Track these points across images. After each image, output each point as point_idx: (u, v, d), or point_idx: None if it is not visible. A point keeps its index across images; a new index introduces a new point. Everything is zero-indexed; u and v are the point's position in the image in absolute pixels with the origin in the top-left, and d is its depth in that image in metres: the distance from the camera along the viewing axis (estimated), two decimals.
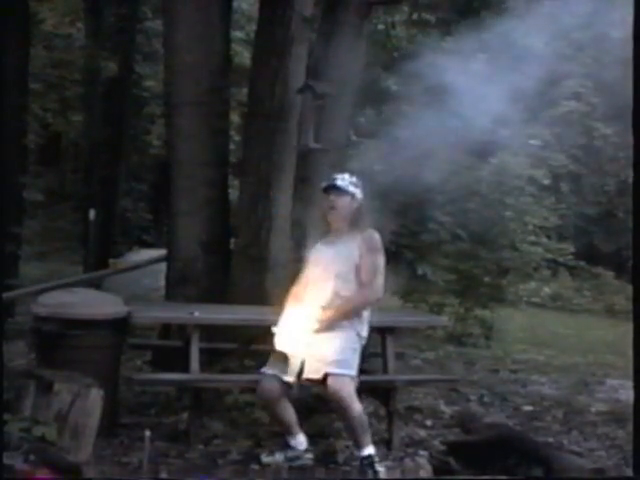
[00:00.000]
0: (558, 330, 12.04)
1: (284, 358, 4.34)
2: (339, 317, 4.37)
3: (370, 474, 4.23)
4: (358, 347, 4.43)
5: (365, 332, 4.50)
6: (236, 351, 5.29)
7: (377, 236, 4.48)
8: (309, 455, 4.49)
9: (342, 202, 4.45)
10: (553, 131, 9.89)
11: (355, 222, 4.48)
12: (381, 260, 4.45)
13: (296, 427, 4.49)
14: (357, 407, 4.26)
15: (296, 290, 4.56)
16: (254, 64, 6.36)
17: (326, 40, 6.23)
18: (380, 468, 4.27)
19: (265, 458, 4.44)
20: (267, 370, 4.40)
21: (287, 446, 4.49)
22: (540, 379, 7.69)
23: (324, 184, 4.50)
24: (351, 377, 4.30)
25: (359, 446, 4.30)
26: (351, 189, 4.48)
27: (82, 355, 4.53)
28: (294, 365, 4.34)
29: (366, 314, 4.50)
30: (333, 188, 4.45)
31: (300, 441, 4.49)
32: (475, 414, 5.73)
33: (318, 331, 4.35)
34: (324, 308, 4.38)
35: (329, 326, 4.36)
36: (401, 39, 9.40)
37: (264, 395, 4.43)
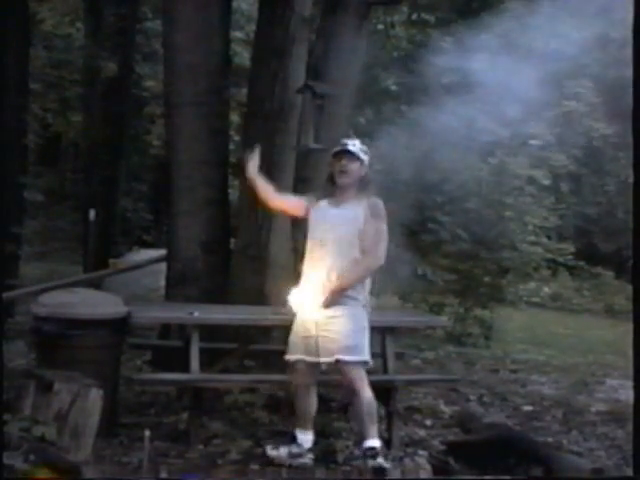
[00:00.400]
0: (558, 330, 12.03)
1: (301, 340, 4.42)
2: (346, 286, 4.39)
3: (370, 466, 4.21)
4: (367, 323, 4.48)
5: (369, 300, 4.55)
6: (236, 351, 5.29)
7: (381, 204, 4.53)
8: (310, 455, 4.49)
9: (353, 167, 4.51)
10: (553, 131, 9.89)
11: (362, 188, 4.54)
12: (385, 227, 4.48)
13: (311, 422, 4.54)
14: (368, 394, 4.35)
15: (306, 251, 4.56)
16: (254, 64, 6.36)
17: (326, 40, 6.23)
18: (385, 463, 4.25)
19: (270, 451, 4.47)
20: (291, 356, 4.47)
21: (293, 440, 4.50)
22: (540, 379, 7.69)
23: (336, 149, 4.54)
24: (363, 362, 4.40)
25: (364, 436, 4.31)
26: (362, 155, 4.55)
27: (82, 355, 4.53)
28: (310, 345, 4.41)
29: (368, 281, 4.54)
30: (346, 152, 4.51)
31: (308, 438, 4.51)
32: (475, 414, 5.73)
33: (326, 305, 4.38)
34: (331, 276, 4.38)
35: (337, 299, 4.38)
36: (401, 39, 9.40)
37: (300, 379, 4.48)
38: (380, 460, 4.24)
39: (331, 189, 4.59)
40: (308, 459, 4.47)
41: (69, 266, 11.79)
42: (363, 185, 4.56)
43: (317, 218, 4.56)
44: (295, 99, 5.88)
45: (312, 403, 4.54)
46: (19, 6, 8.39)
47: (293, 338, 4.51)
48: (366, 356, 4.42)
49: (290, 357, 4.50)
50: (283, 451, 4.45)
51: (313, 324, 4.43)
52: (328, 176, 4.63)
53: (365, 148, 4.61)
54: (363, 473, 4.28)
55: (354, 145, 4.57)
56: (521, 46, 7.44)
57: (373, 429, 4.32)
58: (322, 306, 4.38)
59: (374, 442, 4.29)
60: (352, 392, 4.38)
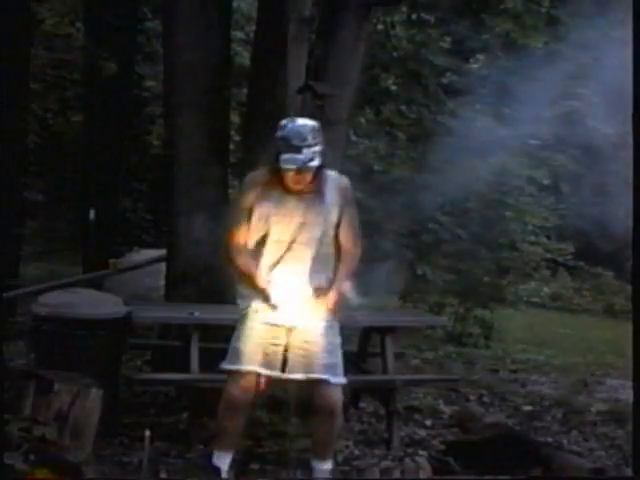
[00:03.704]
0: (558, 330, 12.03)
1: (259, 348, 3.82)
2: (342, 294, 3.87)
3: None
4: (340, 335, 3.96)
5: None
6: None
7: (350, 183, 3.94)
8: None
9: (309, 174, 3.75)
10: (553, 131, 9.88)
11: (320, 170, 3.80)
12: (356, 211, 3.94)
13: (235, 444, 3.97)
14: (342, 418, 4.04)
15: (240, 241, 3.84)
16: (254, 64, 6.36)
17: (326, 40, 6.22)
18: None
19: None
20: (241, 366, 3.82)
21: (209, 463, 3.95)
22: (540, 379, 7.70)
23: (284, 165, 3.68)
24: (342, 384, 3.94)
25: (325, 457, 3.98)
26: (316, 160, 3.69)
27: (82, 355, 4.54)
28: (271, 356, 3.81)
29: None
30: (301, 169, 3.71)
31: (226, 461, 3.94)
32: (475, 414, 5.73)
33: (314, 318, 3.81)
34: (308, 287, 3.81)
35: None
36: (401, 39, 9.39)
37: (241, 394, 3.83)
38: None
39: (277, 174, 3.79)
40: None
41: (69, 266, 11.78)
42: (321, 169, 3.80)
43: (274, 213, 3.80)
44: (295, 99, 5.87)
45: (242, 424, 3.94)
46: (19, 6, 8.38)
47: (244, 345, 3.83)
48: (344, 378, 3.95)
49: (239, 367, 3.81)
50: None
51: (284, 332, 3.83)
52: (271, 159, 3.80)
53: (316, 130, 3.74)
54: None
55: (312, 154, 3.66)
56: (521, 46, 7.44)
57: (332, 451, 4.08)
58: (319, 316, 3.83)
59: (329, 465, 4.04)
60: (329, 420, 3.91)
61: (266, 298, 3.82)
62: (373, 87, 8.82)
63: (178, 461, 4.44)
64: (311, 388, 3.88)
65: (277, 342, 3.85)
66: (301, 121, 3.80)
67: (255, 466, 4.42)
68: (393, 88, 9.29)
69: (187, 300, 5.83)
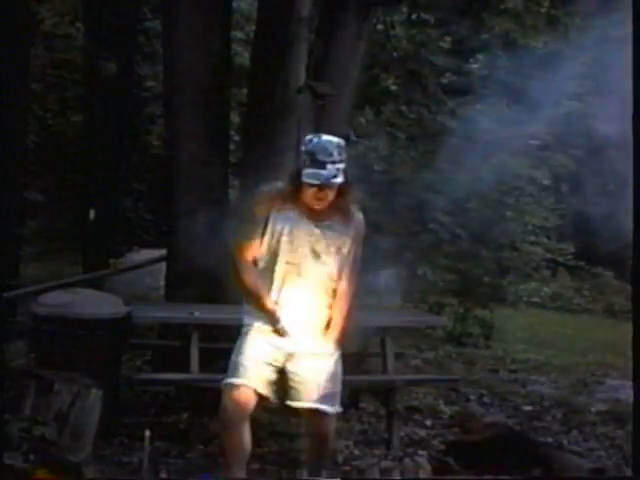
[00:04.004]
0: (558, 330, 12.02)
1: (258, 366, 3.69)
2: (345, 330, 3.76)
3: None
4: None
5: None
6: None
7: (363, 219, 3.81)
8: None
9: (332, 192, 3.63)
10: (553, 131, 9.88)
11: (341, 191, 3.65)
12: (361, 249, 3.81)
13: (244, 464, 3.73)
14: (333, 443, 3.97)
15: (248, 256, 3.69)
16: (254, 64, 6.36)
17: (326, 40, 6.23)
18: None
19: None
20: (242, 380, 3.66)
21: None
22: (540, 379, 7.70)
23: (311, 181, 3.55)
24: (338, 414, 3.86)
25: (318, 473, 3.81)
26: (339, 177, 3.57)
27: (82, 355, 4.54)
28: (269, 377, 3.70)
29: None
30: (324, 185, 3.58)
31: None
32: (475, 414, 5.73)
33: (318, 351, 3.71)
34: (312, 318, 3.72)
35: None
36: (401, 39, 9.40)
37: (237, 413, 3.64)
38: None
39: (296, 191, 3.64)
40: None
41: (69, 266, 11.79)
42: (342, 187, 3.65)
43: (287, 233, 3.65)
44: (295, 99, 5.87)
45: (248, 439, 3.71)
46: (19, 6, 8.38)
47: (245, 360, 3.68)
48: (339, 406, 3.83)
49: (240, 381, 3.65)
50: None
51: (283, 355, 3.70)
52: (292, 173, 3.68)
53: (341, 148, 3.63)
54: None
55: (336, 171, 3.54)
56: (521, 46, 7.44)
57: (323, 467, 3.89)
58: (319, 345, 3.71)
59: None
60: (322, 445, 3.82)
61: (275, 321, 3.69)
62: (373, 87, 8.82)
63: (178, 461, 4.45)
64: (306, 415, 3.80)
65: (276, 364, 3.71)
66: (327, 137, 3.66)
67: (255, 466, 4.41)
68: (393, 88, 9.29)
69: (187, 300, 5.83)
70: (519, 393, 6.85)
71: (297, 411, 3.87)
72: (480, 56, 9.17)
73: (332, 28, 6.22)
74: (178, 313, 5.04)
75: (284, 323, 3.68)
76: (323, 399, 3.71)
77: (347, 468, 4.50)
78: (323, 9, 6.46)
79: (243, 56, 10.03)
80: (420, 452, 4.82)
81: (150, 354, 6.24)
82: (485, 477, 4.30)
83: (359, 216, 3.76)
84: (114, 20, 10.90)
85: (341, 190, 3.64)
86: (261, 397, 3.68)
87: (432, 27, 8.95)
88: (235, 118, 8.48)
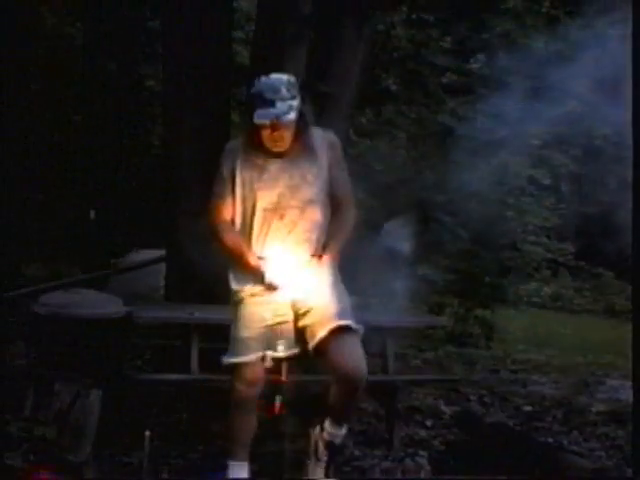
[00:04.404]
0: (558, 330, 12.03)
1: (261, 332, 3.56)
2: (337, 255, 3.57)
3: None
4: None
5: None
6: None
7: (337, 138, 3.71)
8: None
9: (288, 132, 3.50)
10: (553, 131, 9.88)
11: (304, 128, 3.58)
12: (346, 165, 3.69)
13: (248, 448, 3.68)
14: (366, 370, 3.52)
15: (224, 214, 3.63)
16: (253, 64, 6.36)
17: (326, 40, 6.23)
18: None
19: None
20: (245, 357, 3.54)
21: (221, 470, 3.68)
22: (540, 379, 7.69)
23: (261, 120, 3.44)
24: (360, 333, 3.58)
25: (342, 422, 3.64)
26: (292, 114, 3.45)
27: (82, 355, 4.53)
28: (279, 336, 3.52)
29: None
30: (276, 123, 3.45)
31: (244, 470, 3.67)
32: (475, 414, 5.74)
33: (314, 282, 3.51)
34: (307, 253, 3.53)
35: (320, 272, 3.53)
36: (401, 39, 9.40)
37: (249, 393, 3.58)
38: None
39: (255, 137, 3.55)
40: None
41: (69, 266, 11.79)
42: (299, 124, 3.53)
43: (258, 179, 3.55)
44: None
45: (255, 424, 3.70)
46: (19, 6, 8.39)
47: (247, 332, 3.55)
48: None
49: (244, 359, 3.54)
50: None
51: (289, 307, 3.56)
52: (247, 120, 3.61)
53: (292, 79, 3.60)
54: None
55: (288, 108, 3.43)
56: (521, 46, 7.44)
57: (351, 416, 3.68)
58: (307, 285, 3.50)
59: (344, 430, 3.71)
60: (352, 382, 3.48)
61: (262, 278, 3.54)
62: (373, 87, 8.82)
63: (178, 461, 4.44)
64: (330, 346, 3.49)
65: (285, 319, 3.56)
66: (275, 75, 3.57)
67: (255, 466, 4.41)
68: (393, 88, 9.30)
69: (187, 300, 5.83)
70: (519, 393, 6.85)
71: (319, 362, 3.65)
72: (480, 56, 9.17)
73: (332, 28, 6.22)
74: (178, 313, 5.04)
75: (271, 276, 3.52)
76: (342, 315, 3.50)
77: (348, 469, 4.49)
78: (323, 9, 6.46)
79: (243, 56, 10.04)
80: (420, 452, 4.81)
81: (150, 354, 6.24)
82: (485, 477, 4.30)
83: (331, 136, 3.66)
84: (114, 20, 10.91)
85: (299, 127, 3.53)
86: (269, 370, 3.57)
87: (432, 27, 8.96)
88: (235, 118, 8.48)
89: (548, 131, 8.95)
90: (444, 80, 8.88)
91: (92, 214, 10.07)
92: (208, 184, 6.35)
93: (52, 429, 3.81)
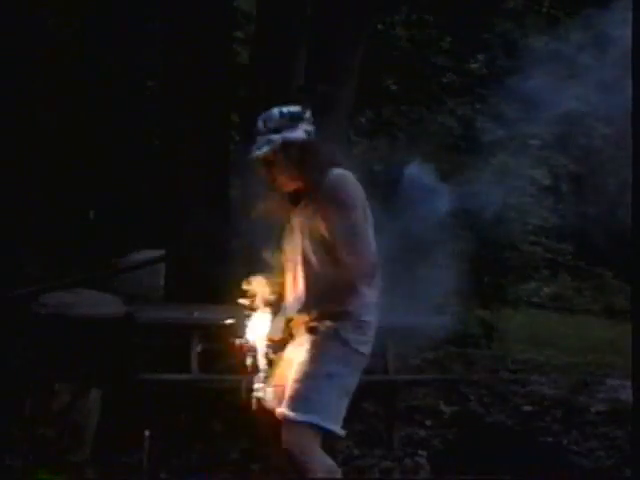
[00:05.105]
0: (558, 330, 12.03)
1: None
2: (320, 317, 3.16)
3: None
4: (341, 367, 3.18)
5: (361, 332, 3.30)
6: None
7: (342, 180, 3.15)
8: None
9: (276, 167, 3.16)
10: (553, 131, 9.89)
11: (303, 171, 3.16)
12: (354, 215, 3.14)
13: None
14: (317, 466, 3.09)
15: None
16: (254, 64, 6.36)
17: (326, 40, 6.23)
18: None
19: None
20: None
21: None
22: (540, 379, 7.69)
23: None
24: (314, 425, 3.08)
25: None
26: (265, 148, 3.12)
27: (82, 355, 4.54)
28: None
29: (363, 297, 3.19)
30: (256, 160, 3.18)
31: None
32: (475, 414, 5.74)
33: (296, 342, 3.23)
34: (301, 307, 3.19)
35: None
36: (401, 39, 9.40)
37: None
38: None
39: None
40: None
41: (69, 266, 11.79)
42: (300, 167, 3.16)
43: (285, 231, 3.30)
44: (295, 99, 5.87)
45: None
46: (20, 6, 8.39)
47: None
48: (318, 416, 3.07)
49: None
50: None
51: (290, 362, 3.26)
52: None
53: (275, 112, 3.18)
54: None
55: (264, 143, 3.14)
56: (521, 46, 7.43)
57: None
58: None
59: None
60: (295, 468, 3.12)
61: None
62: (373, 87, 8.82)
63: (178, 461, 4.44)
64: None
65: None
66: (273, 109, 3.21)
67: (255, 466, 4.41)
68: (393, 88, 9.30)
69: (187, 300, 5.83)
70: (519, 393, 6.85)
71: None
72: (480, 56, 9.18)
73: (332, 28, 6.23)
74: (178, 313, 5.04)
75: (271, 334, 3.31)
76: (287, 401, 3.16)
77: (347, 468, 4.49)
78: (323, 9, 6.46)
79: (243, 56, 10.04)
80: (420, 452, 4.82)
81: (150, 354, 6.24)
82: (485, 477, 4.31)
83: (330, 180, 3.13)
84: (114, 20, 10.90)
85: (299, 164, 3.16)
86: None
87: (432, 27, 8.96)
88: (235, 118, 8.48)
89: (548, 131, 8.96)
90: (444, 80, 8.88)
91: (92, 214, 10.06)
92: (208, 184, 6.38)
93: (52, 429, 3.82)
